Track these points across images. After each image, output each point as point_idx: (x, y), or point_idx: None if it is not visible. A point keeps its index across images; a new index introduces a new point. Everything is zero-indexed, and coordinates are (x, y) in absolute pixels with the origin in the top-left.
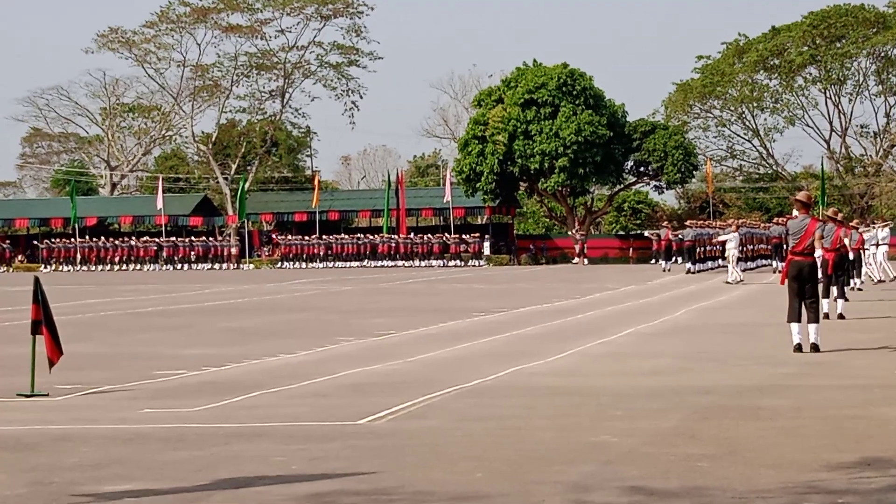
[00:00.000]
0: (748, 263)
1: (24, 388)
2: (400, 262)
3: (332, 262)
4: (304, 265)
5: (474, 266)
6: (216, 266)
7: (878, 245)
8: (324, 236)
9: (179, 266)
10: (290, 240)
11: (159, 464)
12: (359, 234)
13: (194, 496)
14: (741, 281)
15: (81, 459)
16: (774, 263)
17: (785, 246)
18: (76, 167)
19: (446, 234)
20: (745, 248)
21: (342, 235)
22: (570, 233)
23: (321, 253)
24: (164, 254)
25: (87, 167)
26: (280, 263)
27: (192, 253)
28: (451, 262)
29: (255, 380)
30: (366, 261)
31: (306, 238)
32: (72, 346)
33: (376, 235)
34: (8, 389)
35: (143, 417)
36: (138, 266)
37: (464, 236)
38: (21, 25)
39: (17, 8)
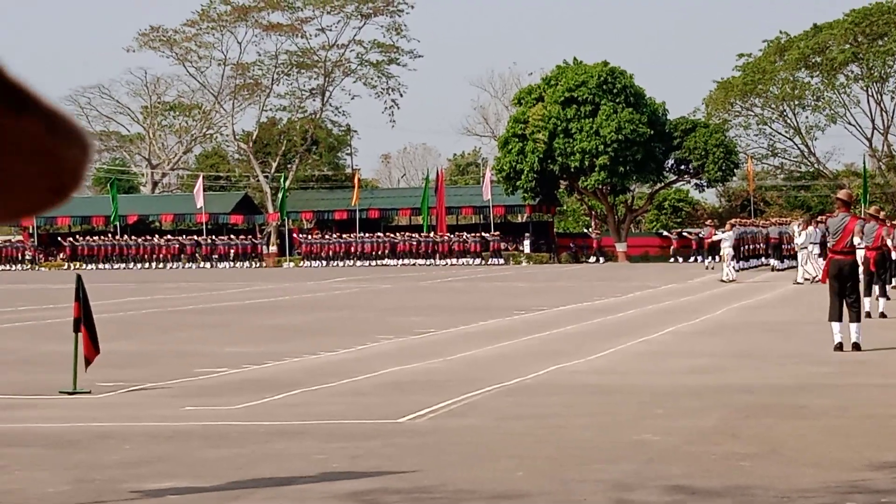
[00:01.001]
0: (741, 262)
1: (66, 386)
2: (420, 261)
3: (353, 261)
4: (324, 264)
5: (494, 265)
6: (245, 265)
7: None
8: (343, 235)
9: (204, 264)
10: (310, 239)
11: (200, 461)
12: (379, 234)
13: (236, 494)
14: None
15: (123, 457)
16: (773, 262)
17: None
18: (117, 165)
19: (465, 234)
20: (741, 248)
21: (361, 234)
22: (586, 230)
23: (341, 251)
24: (187, 252)
25: (129, 165)
26: (303, 262)
27: (214, 253)
28: (474, 261)
29: (296, 378)
30: (385, 259)
31: (326, 236)
32: (113, 343)
33: (397, 234)
34: (51, 387)
35: (184, 415)
36: (161, 265)
37: (484, 235)
38: (63, 24)
39: (60, 7)
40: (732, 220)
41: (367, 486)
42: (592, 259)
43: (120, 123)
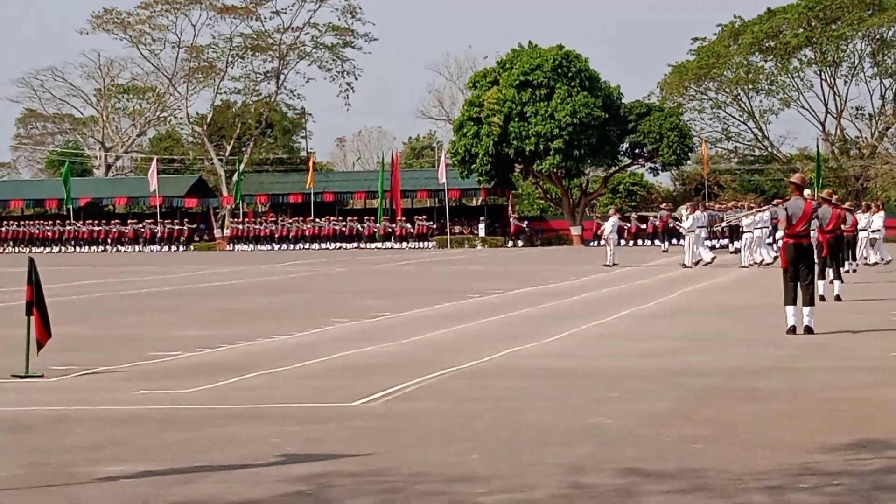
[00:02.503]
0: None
1: (19, 370)
2: (342, 245)
3: (280, 245)
4: (251, 247)
5: (419, 248)
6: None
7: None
8: (265, 220)
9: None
10: (236, 223)
11: (154, 445)
12: (297, 218)
13: (190, 477)
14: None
15: (77, 441)
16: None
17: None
18: (71, 148)
19: (386, 218)
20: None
21: (283, 218)
22: (511, 217)
23: (267, 235)
24: (110, 237)
25: (82, 148)
26: (230, 246)
27: (141, 237)
28: (397, 245)
29: (250, 361)
30: (307, 244)
31: (253, 221)
32: (66, 327)
33: (317, 219)
34: (2, 371)
35: (138, 399)
36: (92, 248)
37: (411, 218)
38: (16, 6)
39: None
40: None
41: (321, 469)
42: (510, 243)
43: (73, 106)
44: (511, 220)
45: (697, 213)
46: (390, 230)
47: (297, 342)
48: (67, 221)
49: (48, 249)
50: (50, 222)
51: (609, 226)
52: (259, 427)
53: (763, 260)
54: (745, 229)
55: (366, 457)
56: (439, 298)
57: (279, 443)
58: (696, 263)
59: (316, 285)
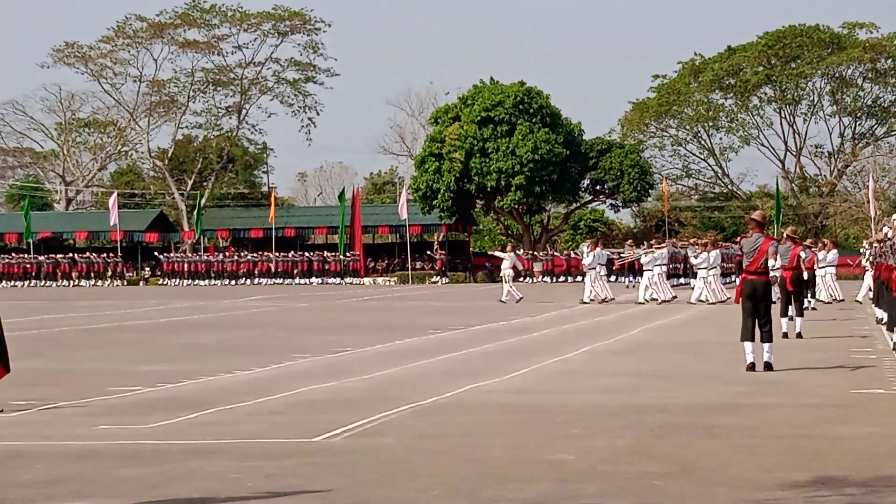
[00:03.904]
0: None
1: None
2: (278, 280)
3: (216, 280)
4: (187, 282)
5: (351, 284)
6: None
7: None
8: (204, 254)
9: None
10: (171, 257)
11: (114, 480)
12: (239, 252)
13: None
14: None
15: (36, 476)
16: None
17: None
18: (31, 182)
19: (317, 252)
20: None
21: (218, 254)
22: (429, 252)
23: (203, 270)
24: (45, 270)
25: (43, 182)
26: (163, 281)
27: (74, 271)
28: (329, 280)
29: (211, 396)
30: (245, 280)
31: (187, 255)
32: (26, 361)
33: (258, 253)
34: None
35: (98, 434)
36: (44, 282)
37: (329, 254)
38: None
39: None
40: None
41: None
42: (435, 279)
43: (34, 140)
44: (438, 255)
45: (598, 250)
46: (346, 265)
47: (258, 377)
48: (18, 256)
49: (11, 283)
50: (8, 256)
51: (507, 261)
52: (219, 463)
53: (662, 298)
54: (645, 267)
55: (327, 493)
56: (401, 334)
57: (239, 478)
58: (594, 301)
59: (278, 320)
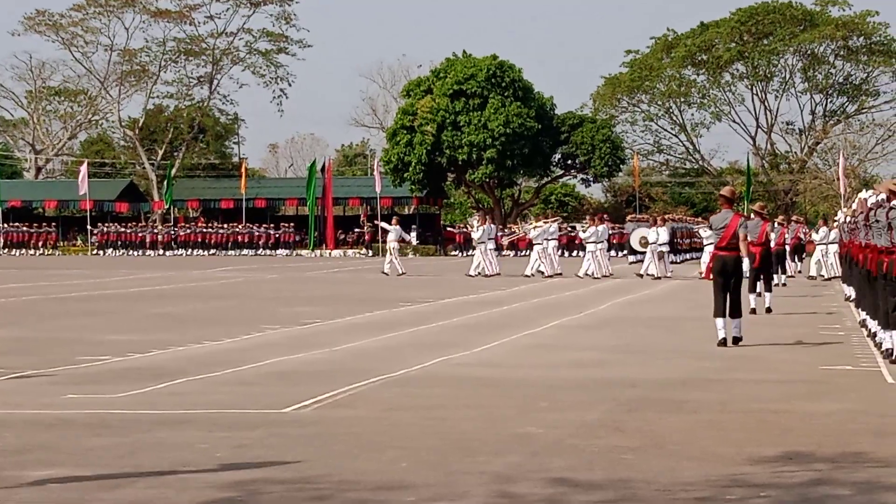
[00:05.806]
0: (678, 256)
1: None
2: (211, 252)
3: (153, 251)
4: (120, 253)
5: (285, 255)
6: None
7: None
8: (139, 225)
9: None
10: (105, 228)
11: (82, 450)
12: (170, 224)
13: (117, 482)
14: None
15: (4, 445)
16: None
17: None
18: (0, 150)
19: (256, 224)
20: (674, 242)
21: (153, 224)
22: (359, 226)
23: (138, 241)
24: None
25: (12, 150)
26: (98, 251)
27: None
28: (266, 252)
29: (180, 367)
30: (180, 250)
31: (123, 226)
32: None
33: (189, 224)
34: None
35: (67, 403)
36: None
37: (273, 226)
38: None
39: None
40: (664, 216)
41: (250, 475)
42: (363, 251)
43: (3, 108)
44: (366, 228)
45: (487, 224)
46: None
47: (228, 348)
48: None
49: None
50: None
51: (392, 233)
52: (188, 433)
53: (546, 272)
54: (535, 241)
55: (296, 464)
56: (371, 306)
57: (208, 449)
58: (479, 274)
59: (248, 291)
